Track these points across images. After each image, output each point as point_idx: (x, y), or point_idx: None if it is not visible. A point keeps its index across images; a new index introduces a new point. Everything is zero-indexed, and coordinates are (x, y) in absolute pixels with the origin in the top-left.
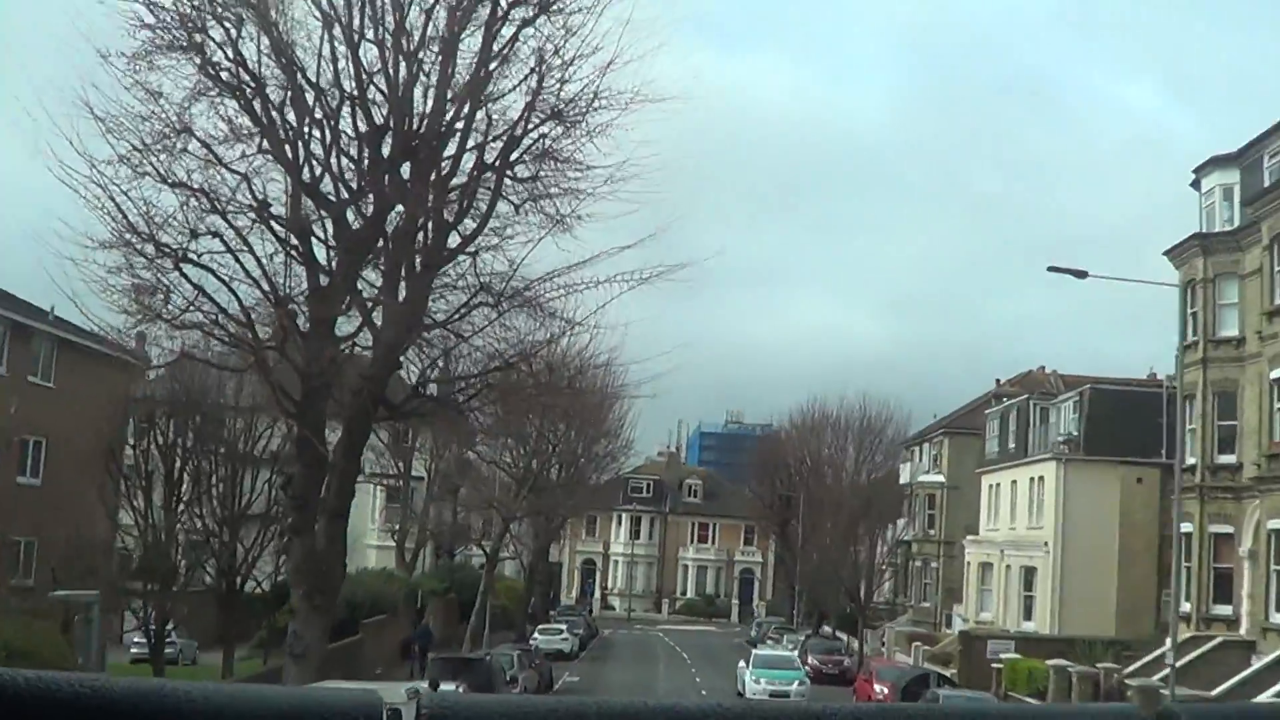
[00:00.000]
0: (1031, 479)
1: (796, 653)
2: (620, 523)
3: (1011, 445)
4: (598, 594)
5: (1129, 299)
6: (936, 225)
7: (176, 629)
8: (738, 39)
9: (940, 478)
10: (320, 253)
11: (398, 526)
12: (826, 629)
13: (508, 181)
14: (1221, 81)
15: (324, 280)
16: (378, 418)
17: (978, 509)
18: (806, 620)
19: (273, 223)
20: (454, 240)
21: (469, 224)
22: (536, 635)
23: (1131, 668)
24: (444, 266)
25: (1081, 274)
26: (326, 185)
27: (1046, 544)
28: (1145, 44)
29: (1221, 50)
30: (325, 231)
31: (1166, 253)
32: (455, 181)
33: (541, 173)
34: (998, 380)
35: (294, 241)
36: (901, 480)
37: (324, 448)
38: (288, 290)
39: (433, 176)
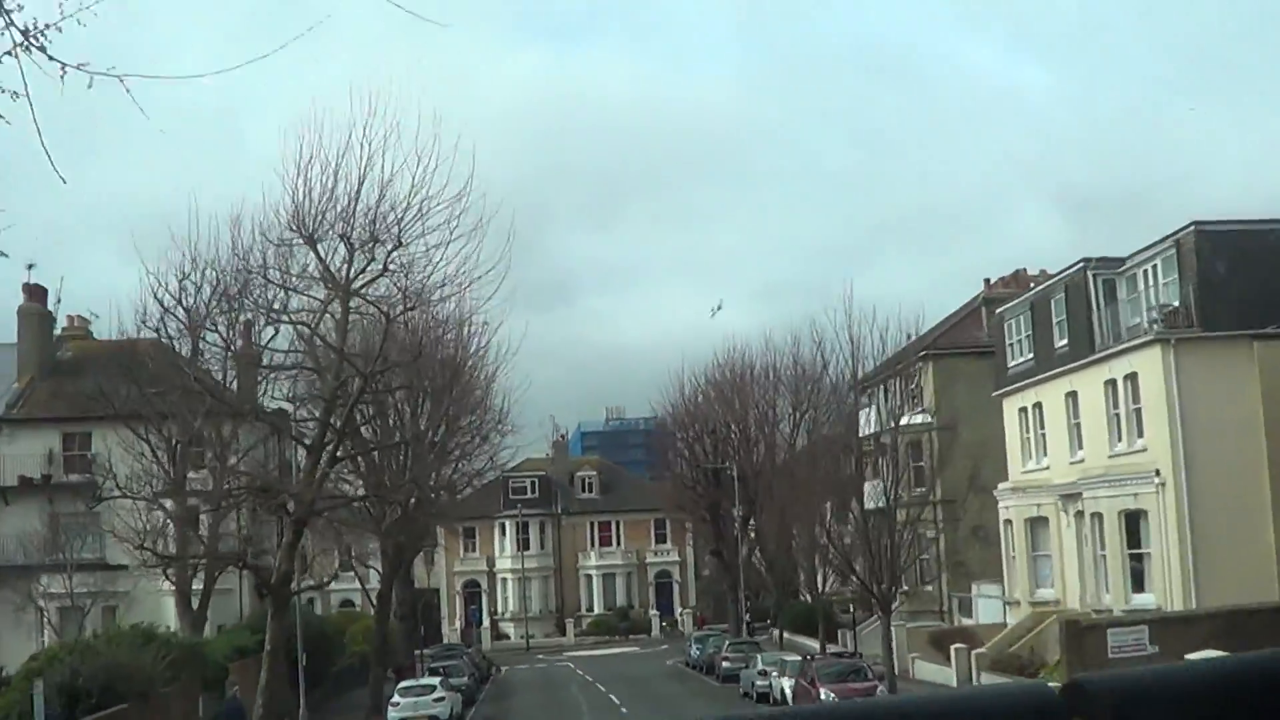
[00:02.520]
0: (1109, 383)
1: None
2: (504, 532)
3: (1060, 344)
4: (486, 621)
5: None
6: (797, 207)
7: None
8: (574, 33)
9: (927, 417)
10: None
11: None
12: (781, 635)
13: None
14: (1067, 30)
15: None
16: None
17: (989, 452)
18: (749, 626)
19: None
20: None
21: None
22: (397, 700)
23: None
24: None
25: None
26: None
27: (1158, 472)
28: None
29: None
30: None
31: None
32: None
33: None
34: (987, 281)
35: None
36: (864, 431)
37: None
38: None
39: None
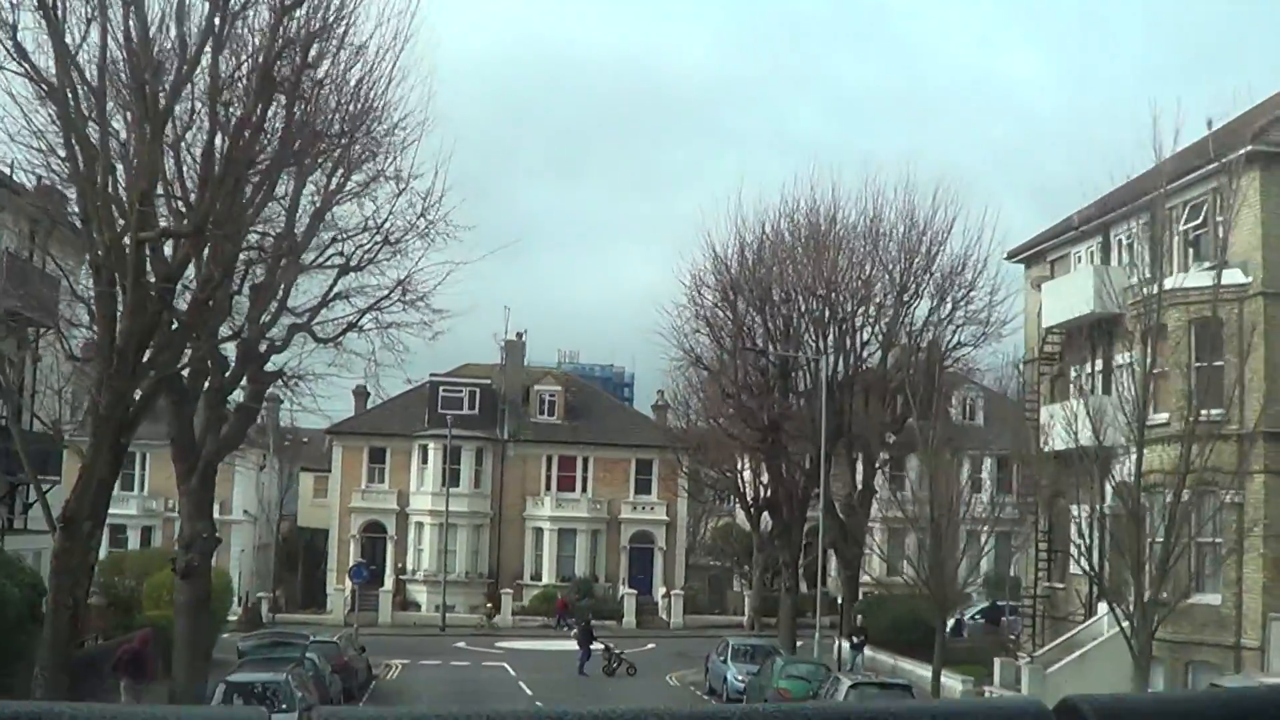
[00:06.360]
0: None
1: None
2: (426, 458)
3: None
4: (389, 581)
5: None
6: (768, 173)
7: None
8: None
9: (1242, 277)
10: None
11: None
12: (888, 664)
13: None
14: (1060, 13)
15: None
16: None
17: None
18: (857, 639)
19: None
20: None
21: None
22: None
23: None
24: None
25: None
26: None
27: None
28: None
29: None
30: None
31: None
32: None
33: None
34: None
35: None
36: (1050, 320)
37: None
38: None
39: None
